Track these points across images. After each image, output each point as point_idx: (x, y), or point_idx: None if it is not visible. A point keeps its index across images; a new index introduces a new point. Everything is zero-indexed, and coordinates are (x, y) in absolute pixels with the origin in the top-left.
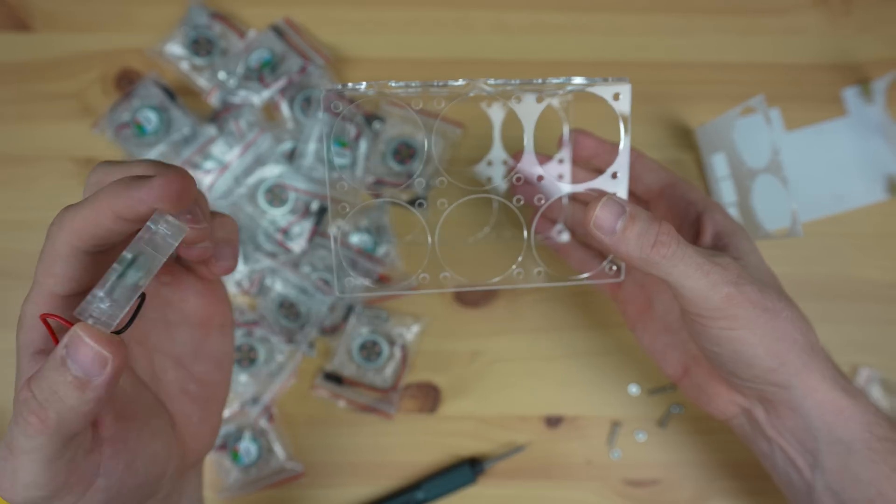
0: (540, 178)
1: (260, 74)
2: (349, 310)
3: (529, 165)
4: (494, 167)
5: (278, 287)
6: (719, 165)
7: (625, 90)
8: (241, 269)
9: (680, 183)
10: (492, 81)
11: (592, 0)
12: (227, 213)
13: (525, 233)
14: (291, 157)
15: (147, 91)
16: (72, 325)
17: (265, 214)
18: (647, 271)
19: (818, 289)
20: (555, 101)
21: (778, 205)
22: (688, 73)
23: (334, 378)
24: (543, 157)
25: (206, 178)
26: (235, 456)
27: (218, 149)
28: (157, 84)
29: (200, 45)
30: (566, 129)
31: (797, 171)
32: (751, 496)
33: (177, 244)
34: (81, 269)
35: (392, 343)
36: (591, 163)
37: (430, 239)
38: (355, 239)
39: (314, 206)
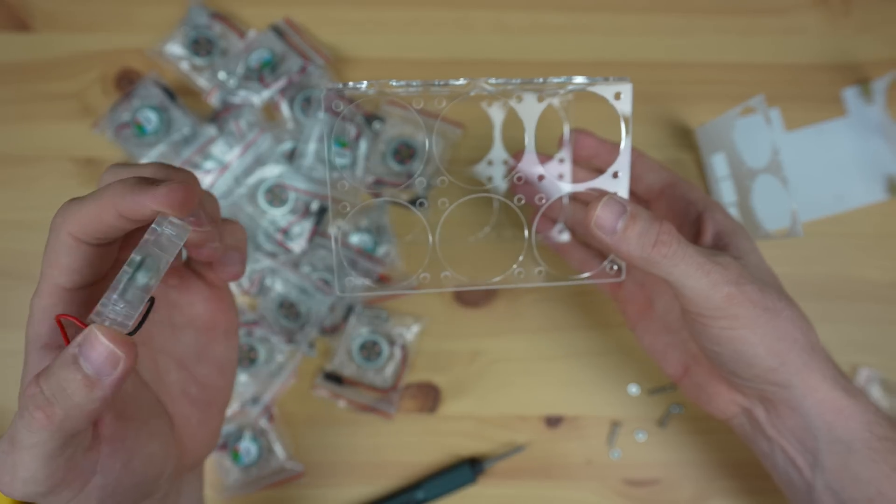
0: (541, 177)
1: (260, 74)
2: (349, 310)
3: (530, 165)
4: (495, 167)
5: (278, 287)
6: (719, 165)
7: (626, 89)
8: None
9: (680, 182)
10: (493, 81)
11: (592, 0)
12: (227, 213)
13: (526, 232)
14: (291, 157)
15: (147, 91)
16: (86, 325)
17: (265, 214)
18: (648, 271)
19: (818, 289)
20: (555, 101)
21: (778, 205)
22: (688, 73)
23: (334, 378)
24: (544, 156)
25: (206, 178)
26: (235, 456)
27: (218, 149)
28: (158, 84)
29: (200, 45)
30: (567, 129)
31: (797, 171)
32: (751, 496)
33: (182, 244)
34: (85, 261)
35: (392, 343)
36: (591, 162)
37: (430, 238)
38: (355, 239)
39: (314, 206)
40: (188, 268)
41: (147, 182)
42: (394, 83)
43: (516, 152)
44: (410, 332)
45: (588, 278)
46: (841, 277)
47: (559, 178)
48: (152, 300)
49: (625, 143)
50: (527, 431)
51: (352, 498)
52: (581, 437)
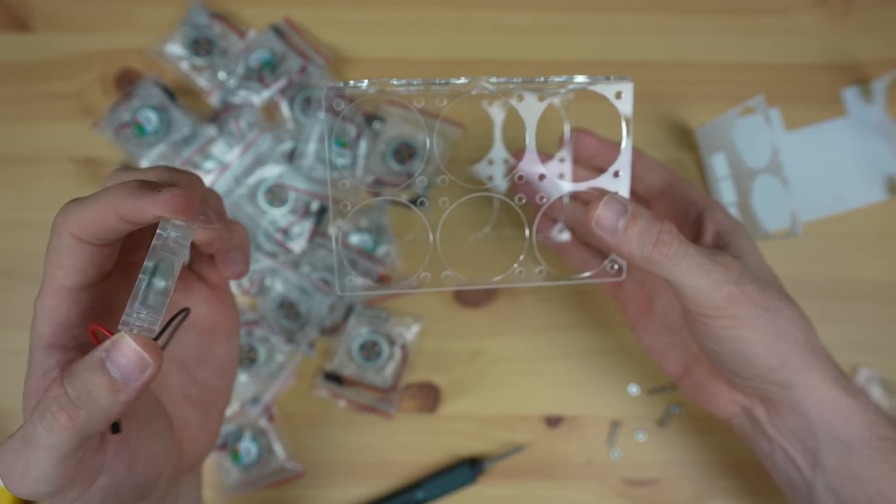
0: (541, 176)
1: (260, 74)
2: (349, 310)
3: (531, 164)
4: (496, 166)
5: (278, 287)
6: (719, 165)
7: (627, 89)
8: None
9: (681, 182)
10: (493, 80)
11: (593, 0)
12: (227, 213)
13: (526, 231)
14: (291, 157)
15: (147, 91)
16: (111, 334)
17: (265, 214)
18: (649, 270)
19: (818, 289)
20: (556, 100)
21: (778, 205)
22: (688, 73)
23: (334, 378)
24: (545, 155)
25: (206, 178)
26: (235, 456)
27: (218, 149)
28: (158, 84)
29: (200, 45)
30: (567, 128)
31: (797, 171)
32: (751, 496)
33: (188, 244)
34: (87, 261)
35: (392, 343)
36: (592, 162)
37: (431, 237)
38: (355, 239)
39: (314, 206)
40: (189, 269)
41: (149, 186)
42: (394, 82)
43: (517, 151)
44: (410, 332)
45: (588, 278)
46: (841, 277)
47: (560, 178)
48: (187, 311)
49: (626, 143)
50: (527, 431)
51: (352, 498)
52: (581, 437)
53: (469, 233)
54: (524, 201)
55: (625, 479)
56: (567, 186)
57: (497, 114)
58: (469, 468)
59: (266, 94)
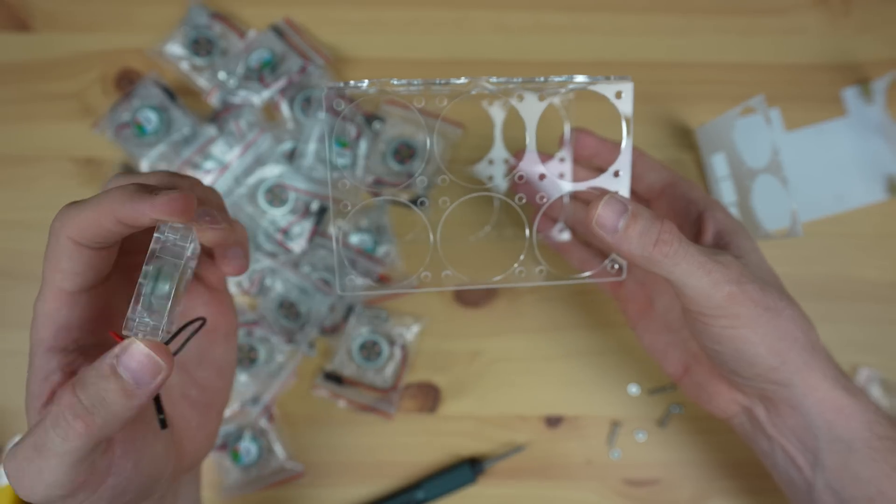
0: (541, 176)
1: (260, 74)
2: (349, 310)
3: (531, 164)
4: (496, 166)
5: (278, 287)
6: (719, 165)
7: (627, 88)
8: None
9: (681, 182)
10: (494, 79)
11: (593, 0)
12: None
13: (527, 231)
14: (291, 157)
15: (147, 91)
16: (121, 339)
17: (265, 214)
18: (649, 269)
19: (818, 289)
20: (556, 100)
21: (778, 205)
22: (688, 73)
23: (334, 378)
24: (545, 155)
25: (206, 178)
26: (235, 456)
27: (218, 149)
28: (158, 84)
29: (200, 45)
30: (567, 128)
31: (797, 171)
32: (751, 496)
33: (188, 244)
34: (86, 265)
35: (392, 343)
36: (592, 162)
37: (431, 237)
38: (355, 239)
39: (314, 206)
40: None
41: (147, 190)
42: (395, 82)
43: (517, 151)
44: (410, 332)
45: (589, 277)
46: (841, 277)
47: (560, 177)
48: (203, 321)
49: (626, 142)
50: (527, 431)
51: (352, 498)
52: (581, 437)
53: (469, 232)
54: (524, 201)
55: (625, 479)
56: (567, 186)
57: (497, 114)
58: (469, 468)
59: (266, 94)
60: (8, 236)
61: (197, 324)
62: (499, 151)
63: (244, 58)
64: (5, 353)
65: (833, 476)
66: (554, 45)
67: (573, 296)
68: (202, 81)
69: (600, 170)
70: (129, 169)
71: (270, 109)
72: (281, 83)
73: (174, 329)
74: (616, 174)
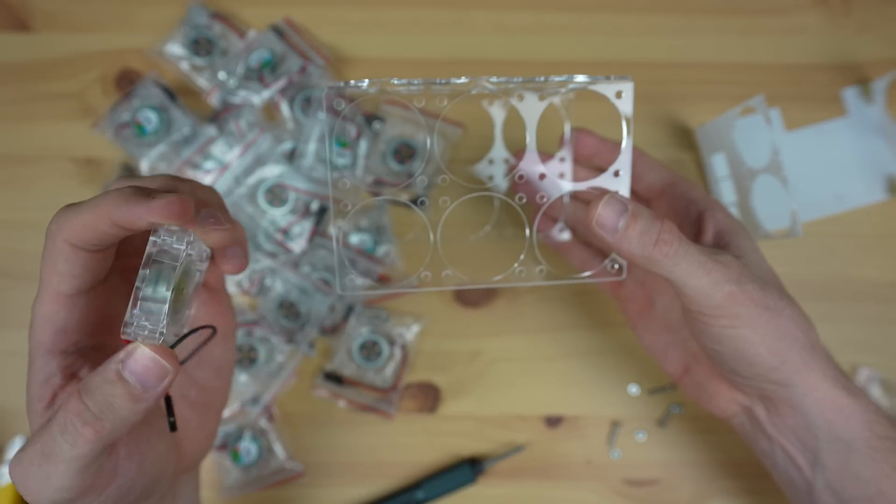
0: (542, 176)
1: (260, 74)
2: (349, 310)
3: (531, 164)
4: (496, 165)
5: (278, 287)
6: (719, 165)
7: (627, 88)
8: None
9: (681, 181)
10: (494, 79)
11: (593, 0)
12: None
13: (527, 231)
14: (291, 157)
15: (147, 91)
16: (127, 342)
17: (265, 214)
18: (650, 269)
19: (818, 289)
20: (556, 100)
21: (778, 205)
22: (688, 73)
23: (334, 378)
24: (545, 155)
25: (206, 179)
26: (235, 456)
27: (218, 149)
28: (158, 84)
29: (200, 45)
30: (568, 128)
31: (797, 171)
32: (751, 495)
33: (184, 247)
34: (83, 267)
35: (392, 343)
36: (592, 161)
37: (431, 237)
38: (355, 239)
39: (314, 206)
40: None
41: (143, 193)
42: (395, 81)
43: (517, 151)
44: (410, 332)
45: (589, 277)
46: (841, 277)
47: (560, 177)
48: (214, 330)
49: (626, 142)
50: (527, 431)
51: (352, 498)
52: (581, 437)
53: (469, 232)
54: (524, 201)
55: (625, 479)
56: (567, 186)
57: (497, 113)
58: (469, 468)
59: (266, 94)
60: (8, 236)
61: (207, 332)
62: (499, 151)
63: (244, 58)
64: (5, 353)
65: (833, 476)
66: (554, 45)
67: (573, 296)
68: (202, 81)
69: (600, 170)
70: (129, 169)
71: (270, 109)
72: (281, 83)
73: (183, 332)
74: (616, 174)
